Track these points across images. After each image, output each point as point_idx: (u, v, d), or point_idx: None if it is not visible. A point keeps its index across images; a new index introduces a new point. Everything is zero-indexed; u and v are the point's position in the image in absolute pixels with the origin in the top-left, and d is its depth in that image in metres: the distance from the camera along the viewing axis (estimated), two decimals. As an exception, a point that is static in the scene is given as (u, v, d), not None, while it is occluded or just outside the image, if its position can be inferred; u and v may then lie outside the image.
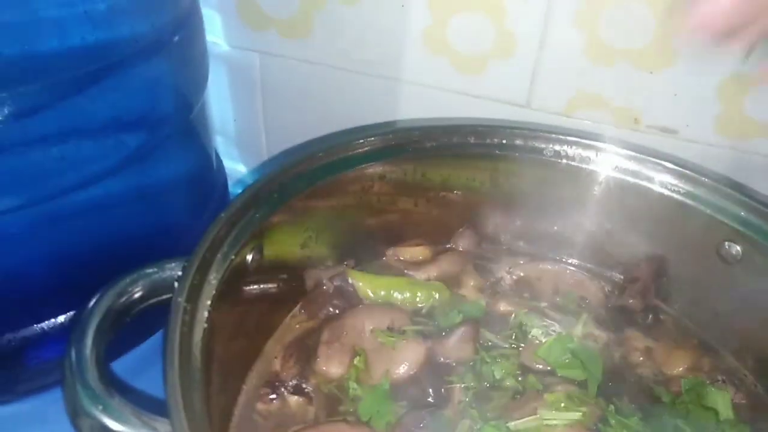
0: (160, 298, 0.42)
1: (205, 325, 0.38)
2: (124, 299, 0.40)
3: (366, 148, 0.56)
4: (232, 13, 0.85)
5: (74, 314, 0.55)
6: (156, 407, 0.35)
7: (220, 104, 0.96)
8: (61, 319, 0.62)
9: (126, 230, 0.65)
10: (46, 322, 0.61)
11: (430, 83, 0.78)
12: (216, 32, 0.88)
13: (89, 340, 0.36)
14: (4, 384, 0.61)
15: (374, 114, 0.84)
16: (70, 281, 0.61)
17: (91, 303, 0.38)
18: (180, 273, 0.40)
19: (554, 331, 0.58)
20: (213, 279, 0.41)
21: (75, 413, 0.34)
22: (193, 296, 0.39)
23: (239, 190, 0.99)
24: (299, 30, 0.81)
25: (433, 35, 0.75)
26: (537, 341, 0.57)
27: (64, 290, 0.61)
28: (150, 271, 0.41)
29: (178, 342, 0.35)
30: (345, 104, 0.85)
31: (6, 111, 0.49)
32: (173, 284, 0.41)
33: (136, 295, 0.40)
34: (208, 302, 0.40)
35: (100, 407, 0.33)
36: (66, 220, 0.59)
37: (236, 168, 1.02)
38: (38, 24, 0.50)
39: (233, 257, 0.44)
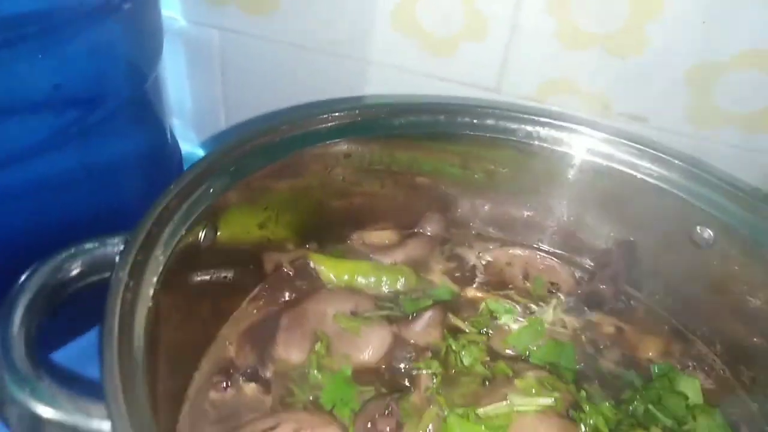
0: (101, 276, 0.38)
1: (150, 304, 0.35)
2: (60, 275, 0.36)
3: (331, 123, 0.53)
4: (190, -16, 0.81)
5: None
6: (95, 393, 0.32)
7: (176, 83, 0.92)
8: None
9: (69, 213, 0.60)
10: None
11: (399, 65, 0.76)
12: (172, 5, 0.83)
13: (17, 318, 0.32)
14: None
15: (339, 95, 0.81)
16: (8, 268, 0.56)
17: (22, 278, 0.34)
18: (122, 247, 0.37)
19: (524, 317, 0.56)
20: (160, 255, 0.38)
21: (1, 400, 0.30)
22: (137, 272, 0.36)
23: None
24: (262, 6, 0.78)
25: (402, 15, 0.72)
26: (506, 327, 0.56)
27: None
28: (90, 246, 0.38)
29: (118, 320, 0.32)
30: (310, 86, 0.82)
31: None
32: (114, 262, 0.37)
33: (74, 272, 0.36)
34: (154, 279, 0.36)
35: (28, 390, 0.29)
36: (3, 200, 0.55)
37: (194, 152, 0.98)
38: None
39: (183, 233, 0.41)
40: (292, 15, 0.77)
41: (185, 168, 0.80)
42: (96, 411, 0.30)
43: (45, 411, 0.30)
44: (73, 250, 0.37)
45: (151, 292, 0.36)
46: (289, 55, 0.81)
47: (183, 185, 0.42)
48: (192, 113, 0.95)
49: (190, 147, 0.97)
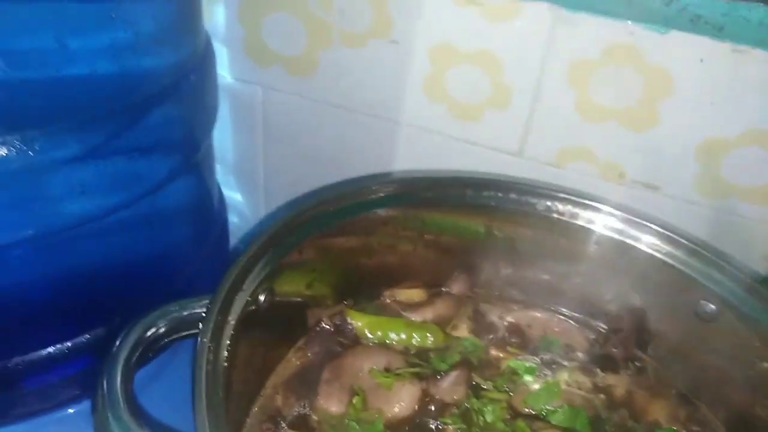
0: (180, 334, 0.44)
1: (225, 364, 0.41)
2: (149, 334, 0.42)
3: (372, 196, 0.60)
4: (238, 48, 0.87)
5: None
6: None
7: (220, 134, 0.98)
8: (68, 344, 0.62)
9: (131, 260, 0.66)
10: (47, 348, 0.61)
11: (428, 127, 0.82)
12: (221, 65, 0.90)
13: (119, 372, 0.38)
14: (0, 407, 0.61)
15: (372, 154, 0.87)
16: (71, 308, 0.62)
17: (121, 336, 0.40)
18: (203, 312, 0.43)
19: (543, 376, 0.61)
20: (231, 319, 0.44)
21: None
22: (216, 336, 0.41)
23: (235, 219, 1.01)
24: (304, 68, 0.84)
25: (433, 83, 0.78)
26: (526, 387, 0.60)
27: (65, 316, 0.62)
28: (172, 308, 0.44)
29: (205, 380, 0.37)
30: (344, 142, 0.88)
31: (34, 146, 0.50)
32: (193, 322, 0.44)
33: (160, 330, 0.43)
34: (228, 342, 0.42)
35: (133, 439, 0.35)
36: (74, 250, 0.60)
37: (233, 196, 1.04)
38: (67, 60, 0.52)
39: (249, 298, 0.47)
40: (330, 77, 0.84)
41: (227, 212, 0.87)
42: (189, 460, 0.35)
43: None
44: (159, 312, 0.43)
45: (226, 354, 0.42)
46: (325, 113, 0.87)
47: (250, 255, 0.48)
48: (233, 162, 1.02)
49: (230, 192, 1.03)
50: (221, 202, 0.85)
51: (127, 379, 0.38)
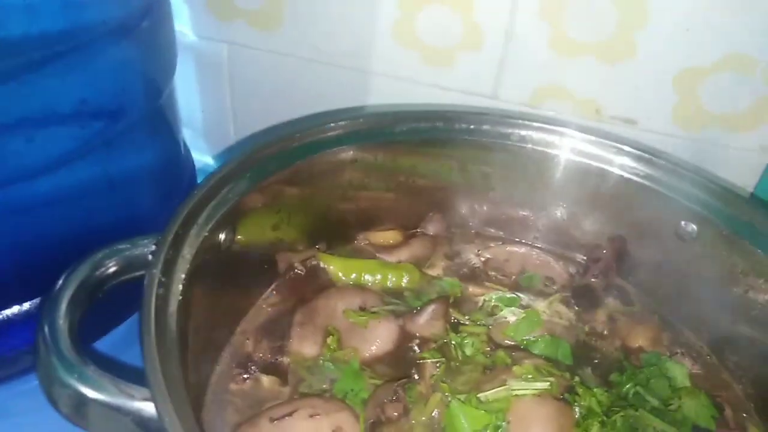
0: (133, 275, 0.42)
1: (180, 298, 0.39)
2: (97, 273, 0.40)
3: (338, 132, 0.57)
4: (200, 2, 0.84)
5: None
6: (132, 378, 0.35)
7: (187, 96, 0.95)
8: (27, 306, 0.61)
9: (92, 217, 0.64)
10: (11, 309, 0.60)
11: (400, 75, 0.80)
12: (183, 21, 0.87)
13: (62, 312, 0.36)
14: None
15: (344, 106, 0.85)
16: (36, 268, 0.60)
17: (64, 275, 0.38)
18: (154, 248, 0.40)
19: (523, 308, 0.59)
20: (187, 254, 0.42)
21: (50, 384, 0.34)
22: (168, 269, 0.39)
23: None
24: (269, 21, 0.82)
25: (402, 28, 0.76)
26: (505, 319, 0.59)
27: (29, 277, 0.60)
28: (122, 246, 0.41)
29: (154, 312, 0.35)
30: (314, 96, 0.86)
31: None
32: (146, 260, 0.41)
33: (110, 270, 0.40)
34: (183, 276, 0.40)
35: (76, 376, 0.33)
36: (31, 207, 0.59)
37: (204, 160, 1.02)
38: (7, 4, 0.49)
39: (206, 234, 0.45)
40: (296, 29, 0.81)
41: (198, 177, 0.85)
42: (138, 393, 0.34)
43: (92, 394, 0.33)
44: (107, 250, 0.41)
45: (180, 287, 0.39)
46: (294, 68, 0.84)
47: (204, 190, 0.46)
48: (202, 124, 0.99)
49: (201, 156, 1.00)
50: (188, 161, 0.83)
51: (72, 318, 0.36)
